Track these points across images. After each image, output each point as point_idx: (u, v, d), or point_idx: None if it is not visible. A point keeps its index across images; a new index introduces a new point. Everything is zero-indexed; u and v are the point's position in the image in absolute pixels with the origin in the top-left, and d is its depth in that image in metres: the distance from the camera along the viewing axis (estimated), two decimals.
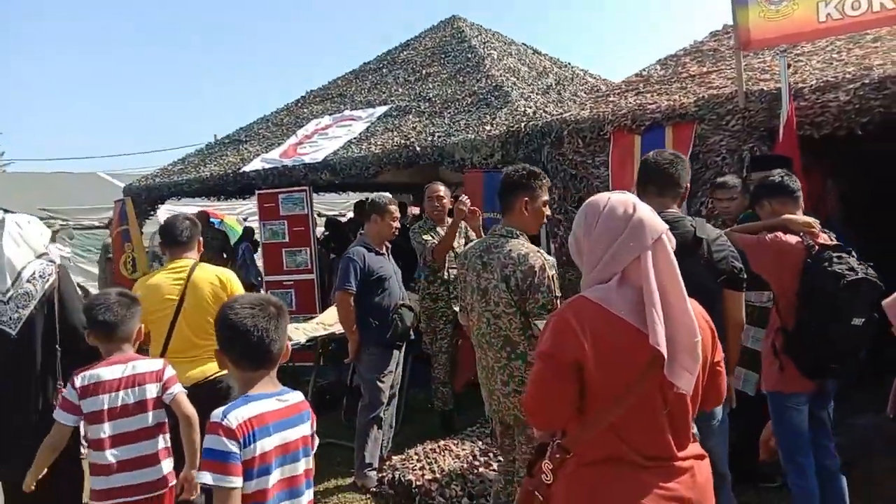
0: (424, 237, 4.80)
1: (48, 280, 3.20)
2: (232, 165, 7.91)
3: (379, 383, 4.18)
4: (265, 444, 1.83)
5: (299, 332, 4.58)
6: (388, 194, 4.35)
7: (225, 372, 3.00)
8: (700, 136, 4.71)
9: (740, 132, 4.55)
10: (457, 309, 4.80)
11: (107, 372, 2.61)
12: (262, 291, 10.90)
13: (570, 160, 5.27)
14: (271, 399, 1.90)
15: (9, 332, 3.03)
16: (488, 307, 2.72)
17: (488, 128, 5.84)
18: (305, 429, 1.97)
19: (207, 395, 3.19)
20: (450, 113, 6.68)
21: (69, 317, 3.15)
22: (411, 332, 4.35)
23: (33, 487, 2.64)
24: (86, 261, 11.71)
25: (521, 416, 2.68)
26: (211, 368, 3.47)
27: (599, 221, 1.75)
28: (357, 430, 4.20)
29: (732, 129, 4.58)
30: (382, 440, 4.28)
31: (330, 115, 8.28)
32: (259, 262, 8.80)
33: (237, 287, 3.65)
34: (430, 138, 6.18)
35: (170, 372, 2.77)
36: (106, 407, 2.60)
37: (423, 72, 8.17)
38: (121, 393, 2.62)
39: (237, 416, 1.81)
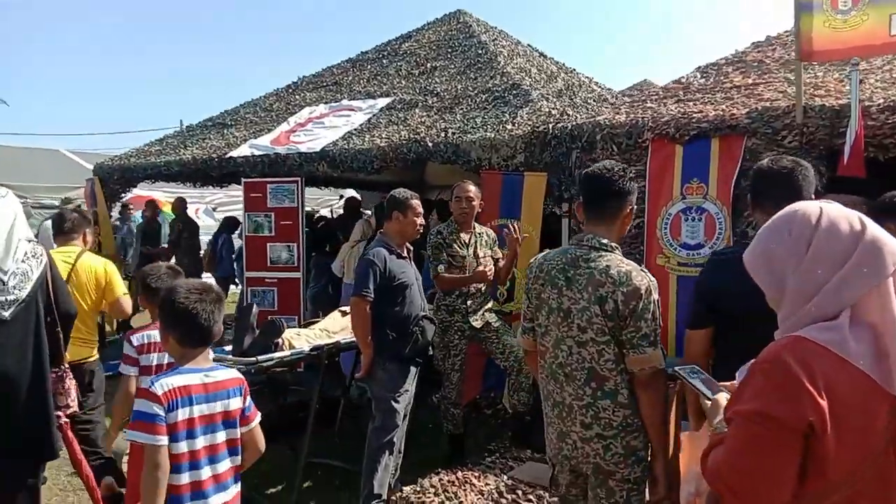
0: (435, 262, 4.30)
1: (41, 261, 2.88)
2: (216, 150, 7.32)
3: (394, 403, 3.69)
4: (188, 412, 2.07)
5: (301, 340, 4.05)
6: (406, 190, 3.84)
7: (91, 358, 3.93)
8: (750, 150, 4.35)
9: (797, 149, 4.19)
10: (475, 323, 4.39)
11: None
12: (239, 288, 10.34)
13: None
14: (199, 374, 2.16)
15: (1, 315, 2.67)
16: (570, 332, 2.25)
17: (509, 127, 5.40)
18: (231, 403, 2.19)
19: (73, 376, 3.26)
20: (462, 109, 6.23)
21: (64, 301, 3.00)
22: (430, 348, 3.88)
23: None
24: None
25: (604, 464, 2.22)
26: (78, 353, 3.82)
27: (817, 239, 1.31)
28: (366, 455, 3.70)
29: (788, 145, 4.22)
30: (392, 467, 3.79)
31: (325, 103, 7.75)
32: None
33: (115, 276, 4.11)
34: (441, 134, 5.71)
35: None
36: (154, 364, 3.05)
37: (428, 65, 7.70)
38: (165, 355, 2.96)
39: (163, 384, 2.07)
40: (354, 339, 4.29)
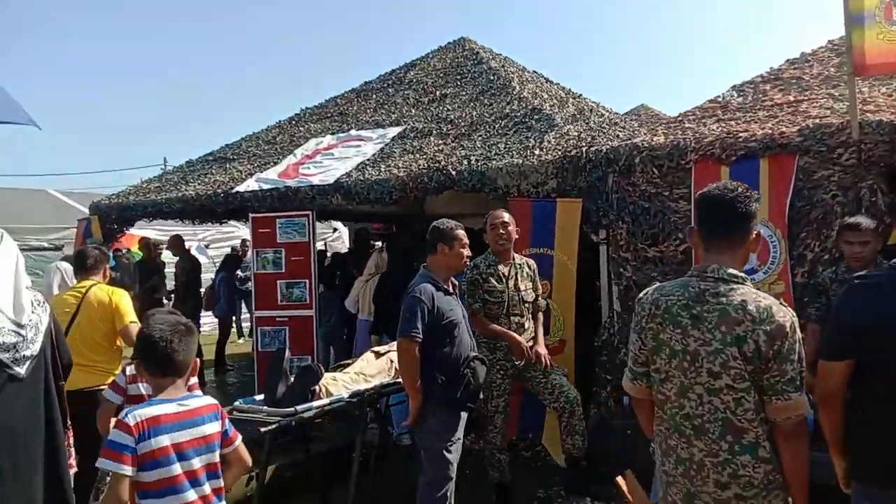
0: (470, 300, 4.02)
1: (46, 309, 2.53)
2: (220, 185, 7.01)
3: (446, 454, 3.37)
4: (160, 441, 2.14)
5: (338, 385, 3.73)
6: (450, 220, 3.56)
7: (104, 385, 3.67)
8: (803, 170, 4.14)
9: (855, 167, 3.99)
10: (518, 362, 4.09)
11: None
12: (245, 327, 9.92)
13: (643, 191, 4.63)
14: (172, 404, 2.23)
15: (18, 373, 2.32)
16: (699, 378, 1.97)
17: (537, 152, 5.16)
18: (207, 429, 2.27)
19: (82, 402, 3.34)
20: (480, 136, 6.00)
21: (66, 352, 2.69)
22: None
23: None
24: (34, 286, 10.34)
25: None
26: (94, 381, 3.89)
27: None
28: None
29: (845, 163, 4.02)
30: None
31: (332, 134, 7.49)
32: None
33: (122, 304, 4.09)
34: (464, 162, 5.47)
35: None
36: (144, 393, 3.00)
37: (437, 93, 7.49)
38: None
39: (135, 416, 2.15)
40: (393, 382, 4.00)
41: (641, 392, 2.18)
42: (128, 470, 2.11)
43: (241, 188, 6.70)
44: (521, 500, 4.17)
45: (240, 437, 2.40)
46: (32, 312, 2.48)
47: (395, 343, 4.36)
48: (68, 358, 2.82)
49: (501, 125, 6.06)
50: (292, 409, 3.44)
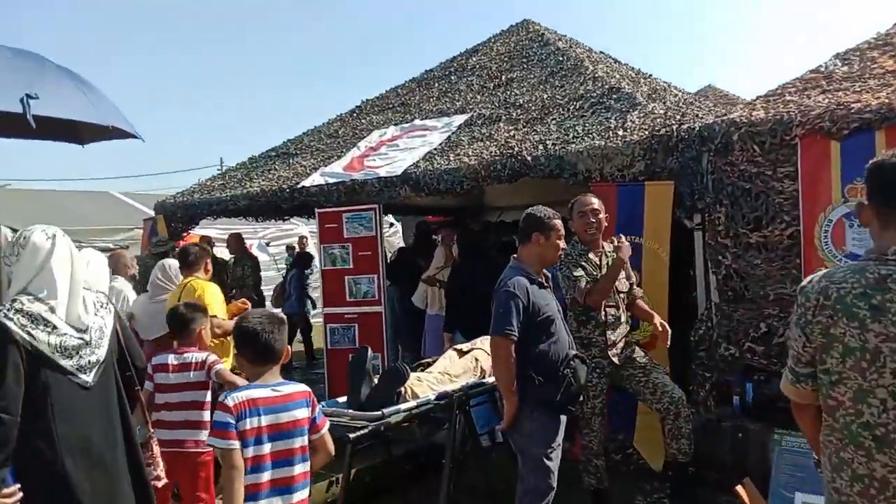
0: (576, 273, 3.73)
1: (110, 310, 2.47)
2: (285, 180, 6.88)
3: (546, 461, 3.11)
4: (255, 422, 2.30)
5: (423, 386, 3.49)
6: (546, 208, 3.28)
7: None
8: None
9: None
10: (615, 359, 3.80)
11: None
12: (311, 324, 9.84)
13: (743, 171, 4.26)
14: (267, 388, 2.38)
15: (84, 382, 2.25)
16: (881, 380, 1.65)
17: (621, 133, 4.83)
18: (297, 413, 2.39)
19: None
20: (554, 119, 5.68)
21: (139, 357, 2.69)
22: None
23: None
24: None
25: None
26: None
27: None
28: None
29: None
30: None
31: (395, 125, 7.27)
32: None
33: (208, 296, 4.41)
34: (539, 147, 5.17)
35: None
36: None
37: (503, 77, 7.19)
38: None
39: (234, 397, 2.32)
40: (479, 383, 3.75)
41: (806, 396, 1.86)
42: (235, 444, 2.26)
43: (306, 183, 6.54)
44: None
45: (327, 425, 2.54)
46: (95, 314, 2.34)
47: (478, 341, 4.13)
48: (142, 361, 2.70)
49: (576, 107, 5.73)
50: (379, 412, 3.22)
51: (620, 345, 3.80)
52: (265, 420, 2.32)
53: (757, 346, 4.25)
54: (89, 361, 2.27)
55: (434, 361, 4.00)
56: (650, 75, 8.27)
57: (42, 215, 11.19)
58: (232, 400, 2.30)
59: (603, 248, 3.84)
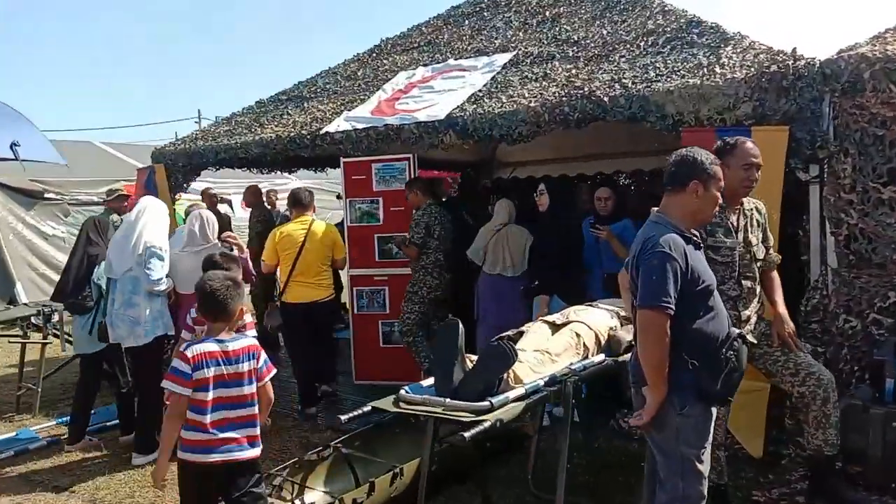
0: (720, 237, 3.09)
1: None
2: (302, 126, 6.12)
3: (698, 464, 2.51)
4: (211, 371, 2.70)
5: (524, 368, 2.85)
6: (702, 150, 2.61)
7: (331, 294, 5.53)
8: None
9: None
10: (749, 337, 3.17)
11: None
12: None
13: (875, 115, 3.65)
14: (221, 343, 2.77)
15: None
16: None
17: (719, 70, 4.16)
18: (245, 366, 2.78)
19: (319, 311, 5.34)
20: (623, 57, 4.98)
21: None
22: None
23: None
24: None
25: None
26: (320, 293, 5.37)
27: None
28: None
29: None
30: None
31: (424, 65, 6.50)
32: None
33: (338, 237, 5.59)
34: (616, 87, 4.48)
35: None
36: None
37: (547, 13, 6.43)
38: None
39: (193, 350, 2.72)
40: (586, 364, 3.12)
41: None
42: (185, 391, 2.66)
43: (329, 128, 5.79)
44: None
45: (271, 374, 2.87)
46: None
47: (570, 311, 3.51)
48: None
49: (649, 42, 5.02)
50: (486, 402, 2.58)
51: (754, 319, 3.18)
52: (216, 371, 2.70)
53: (885, 317, 3.68)
54: None
55: (516, 334, 3.35)
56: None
57: (29, 167, 10.28)
58: (191, 352, 2.70)
59: (742, 205, 3.19)
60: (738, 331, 2.54)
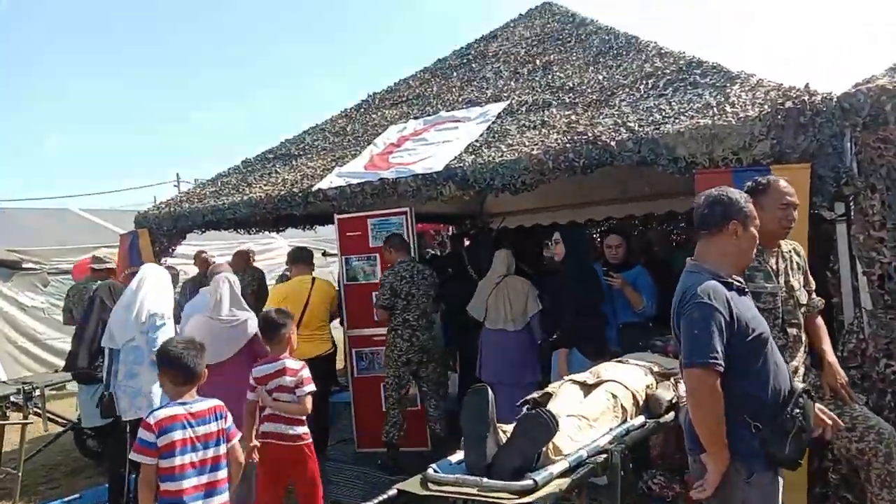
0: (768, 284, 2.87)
1: None
2: (294, 184, 5.90)
3: None
4: (175, 435, 2.70)
5: (562, 438, 2.57)
6: (738, 191, 2.42)
7: (331, 348, 5.76)
8: None
9: None
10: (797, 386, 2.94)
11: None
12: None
13: None
14: (186, 406, 2.79)
15: None
16: None
17: (730, 109, 4.03)
18: (211, 427, 2.81)
19: (316, 366, 4.63)
20: (624, 101, 4.85)
21: None
22: None
23: None
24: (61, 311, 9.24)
25: None
26: (319, 349, 5.50)
27: None
28: None
29: None
30: None
31: (415, 118, 6.37)
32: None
33: (335, 290, 5.91)
34: (621, 130, 4.33)
35: None
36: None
37: (538, 61, 6.35)
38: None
39: (156, 416, 2.73)
40: (631, 427, 2.85)
41: None
42: (151, 460, 2.66)
43: (322, 185, 5.58)
44: None
45: (237, 437, 2.93)
46: None
47: (600, 369, 3.25)
48: None
49: (649, 85, 4.92)
50: (530, 482, 2.30)
51: (802, 371, 2.95)
52: (183, 434, 2.71)
53: None
54: None
55: (543, 397, 3.08)
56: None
57: (6, 237, 9.94)
58: (153, 418, 2.70)
59: (779, 247, 2.99)
60: (801, 385, 2.31)
